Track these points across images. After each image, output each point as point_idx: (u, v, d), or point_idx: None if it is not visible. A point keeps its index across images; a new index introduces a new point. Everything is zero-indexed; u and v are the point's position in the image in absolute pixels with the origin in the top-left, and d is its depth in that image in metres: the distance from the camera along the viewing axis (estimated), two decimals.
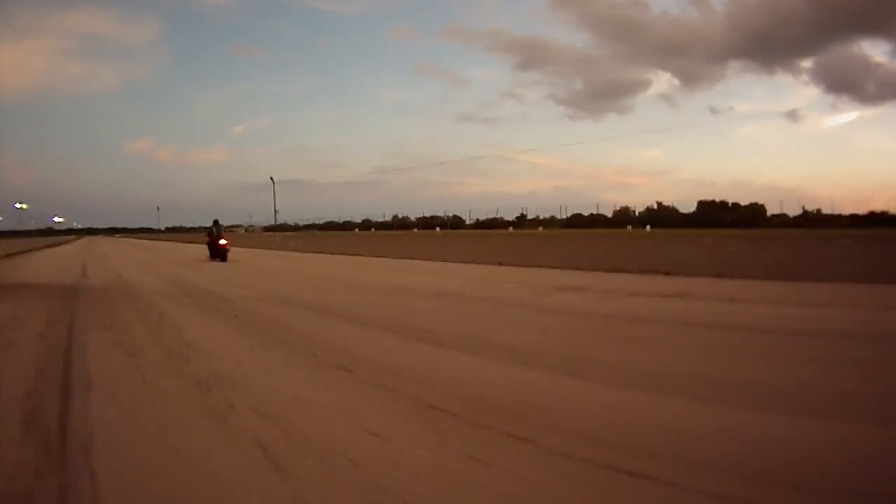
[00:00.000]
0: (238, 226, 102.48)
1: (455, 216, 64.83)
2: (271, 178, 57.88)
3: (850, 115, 79.78)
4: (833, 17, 66.98)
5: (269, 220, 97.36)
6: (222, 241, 15.67)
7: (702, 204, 45.82)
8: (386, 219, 69.23)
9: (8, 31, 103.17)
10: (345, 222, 72.58)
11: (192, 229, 64.45)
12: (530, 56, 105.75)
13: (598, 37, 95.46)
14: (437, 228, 55.30)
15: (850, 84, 74.03)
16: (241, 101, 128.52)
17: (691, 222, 42.24)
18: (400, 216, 70.57)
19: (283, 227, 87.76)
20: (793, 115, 78.72)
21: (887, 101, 69.36)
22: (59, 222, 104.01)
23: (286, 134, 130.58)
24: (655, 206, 48.57)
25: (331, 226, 73.03)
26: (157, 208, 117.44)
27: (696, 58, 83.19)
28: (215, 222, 16.43)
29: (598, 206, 58.48)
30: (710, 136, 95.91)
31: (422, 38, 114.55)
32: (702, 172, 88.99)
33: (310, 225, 74.56)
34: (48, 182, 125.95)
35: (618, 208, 51.53)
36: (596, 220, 48.92)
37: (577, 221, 49.74)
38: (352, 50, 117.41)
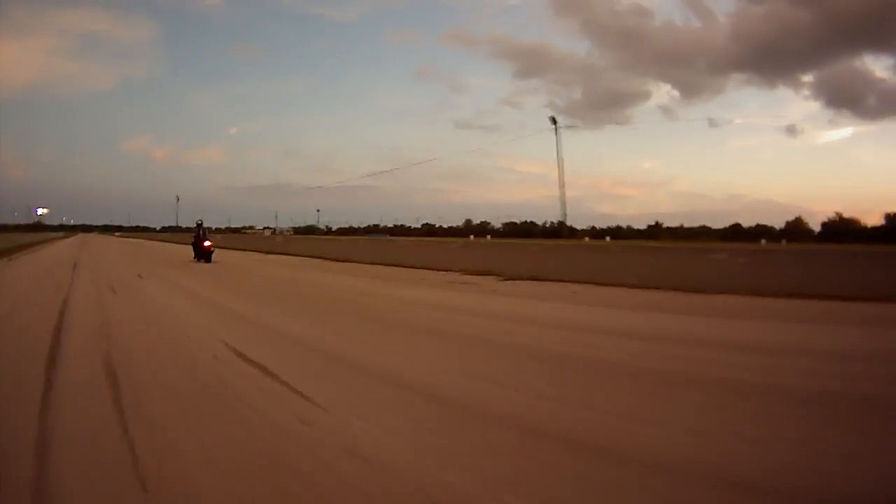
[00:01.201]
0: (249, 227, 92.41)
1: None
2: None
3: (848, 129, 78.03)
4: (836, 33, 66.20)
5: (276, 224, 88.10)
6: (207, 244, 16.02)
7: (889, 217, 45.01)
8: (457, 224, 63.59)
9: (6, 28, 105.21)
10: (381, 226, 69.33)
11: (188, 229, 60.45)
12: (530, 64, 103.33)
13: (600, 46, 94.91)
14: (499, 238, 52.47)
15: (850, 99, 72.59)
16: (238, 103, 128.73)
17: (881, 236, 39.16)
18: (476, 221, 65.82)
19: (312, 230, 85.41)
20: (791, 130, 78.21)
21: (887, 116, 68.12)
22: (43, 214, 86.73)
23: (282, 136, 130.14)
24: (837, 218, 47.25)
25: (368, 229, 70.41)
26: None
27: (697, 69, 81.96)
28: (198, 224, 16.28)
29: (756, 214, 55.55)
30: (708, 148, 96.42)
31: (421, 43, 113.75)
32: (697, 184, 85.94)
33: (345, 229, 71.66)
34: (45, 179, 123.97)
35: (791, 219, 50.49)
36: (759, 232, 46.72)
37: (717, 232, 47.08)
38: (350, 54, 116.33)
